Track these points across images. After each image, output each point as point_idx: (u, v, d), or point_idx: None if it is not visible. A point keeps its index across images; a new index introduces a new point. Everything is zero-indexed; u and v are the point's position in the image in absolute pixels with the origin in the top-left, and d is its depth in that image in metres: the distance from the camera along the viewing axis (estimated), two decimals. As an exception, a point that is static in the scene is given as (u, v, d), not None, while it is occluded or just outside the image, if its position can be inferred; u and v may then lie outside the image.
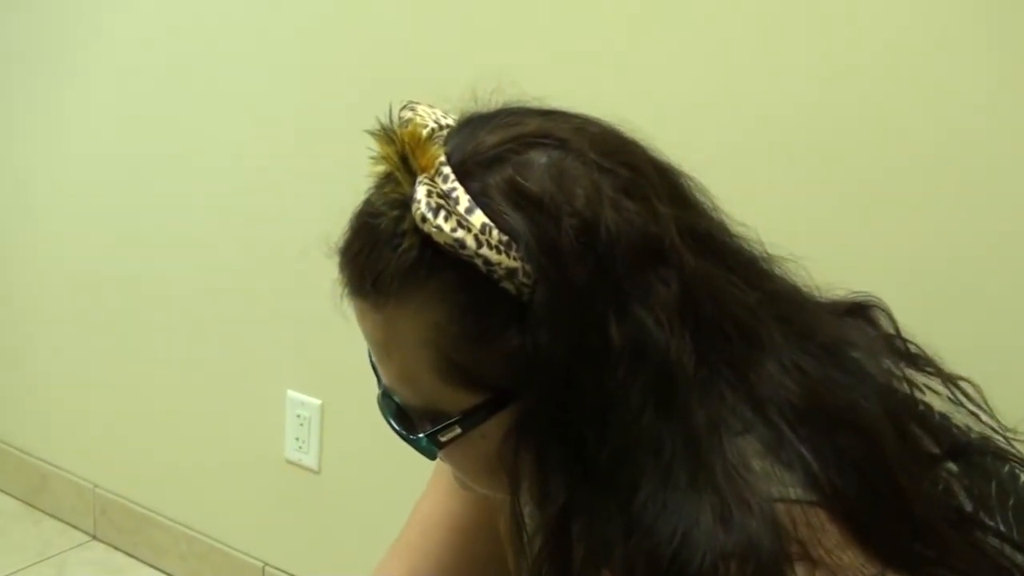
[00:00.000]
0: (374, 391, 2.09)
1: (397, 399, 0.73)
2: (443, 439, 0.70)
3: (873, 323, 0.84)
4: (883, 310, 0.85)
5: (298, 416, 2.02)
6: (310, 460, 2.02)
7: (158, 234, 2.18)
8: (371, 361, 0.76)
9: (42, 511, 2.50)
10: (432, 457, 0.74)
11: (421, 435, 0.71)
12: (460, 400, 0.69)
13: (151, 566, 2.32)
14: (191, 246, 2.14)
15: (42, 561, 2.33)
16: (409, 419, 0.73)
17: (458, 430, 0.70)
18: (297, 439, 2.03)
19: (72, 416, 2.44)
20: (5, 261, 2.46)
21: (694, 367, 0.66)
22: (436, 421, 0.70)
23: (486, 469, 0.73)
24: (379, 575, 1.02)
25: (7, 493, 2.56)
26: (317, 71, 1.89)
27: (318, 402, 2.00)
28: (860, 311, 0.84)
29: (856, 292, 0.86)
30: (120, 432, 2.35)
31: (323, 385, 1.99)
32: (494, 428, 0.69)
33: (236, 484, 2.17)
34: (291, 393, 2.03)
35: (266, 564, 2.14)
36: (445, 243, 0.66)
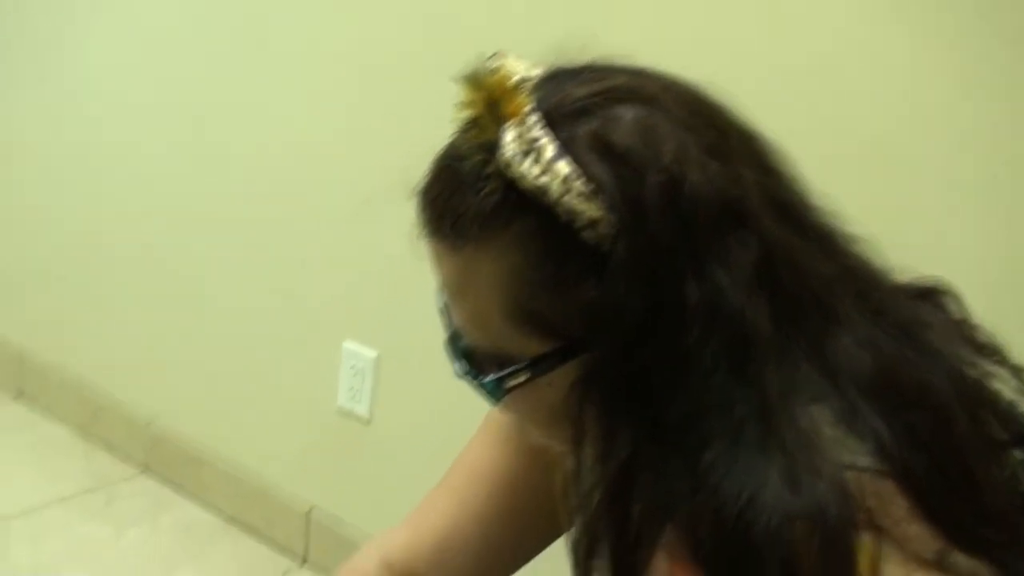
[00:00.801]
0: (429, 343, 2.09)
1: (466, 342, 0.74)
2: (510, 384, 0.71)
3: (944, 308, 0.83)
4: (953, 296, 0.84)
5: (352, 366, 2.03)
6: (362, 409, 2.04)
7: (223, 181, 2.21)
8: (440, 305, 0.77)
9: (94, 442, 2.55)
10: (496, 401, 0.74)
11: (488, 379, 0.72)
12: (530, 346, 0.69)
13: (198, 503, 2.36)
14: (254, 194, 2.16)
15: (91, 491, 2.38)
16: (477, 362, 0.74)
17: (526, 376, 0.70)
18: (350, 388, 2.05)
19: (131, 351, 2.48)
20: (84, 197, 2.50)
21: (770, 332, 0.66)
22: (504, 366, 0.71)
23: (549, 419, 0.73)
24: (417, 518, 1.03)
25: (61, 421, 2.61)
26: (379, 13, 1.89)
27: (373, 353, 2.01)
28: (931, 295, 0.84)
29: (927, 276, 0.85)
30: (177, 371, 2.39)
31: (378, 336, 2.01)
32: (562, 377, 0.69)
33: (287, 429, 2.20)
34: (347, 344, 2.04)
35: (312, 507, 2.17)
36: (529, 189, 0.66)
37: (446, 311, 0.76)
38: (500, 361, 0.71)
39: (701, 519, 0.64)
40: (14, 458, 2.47)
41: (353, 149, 1.96)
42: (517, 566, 1.04)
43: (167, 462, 2.42)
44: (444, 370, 1.96)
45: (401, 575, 1.00)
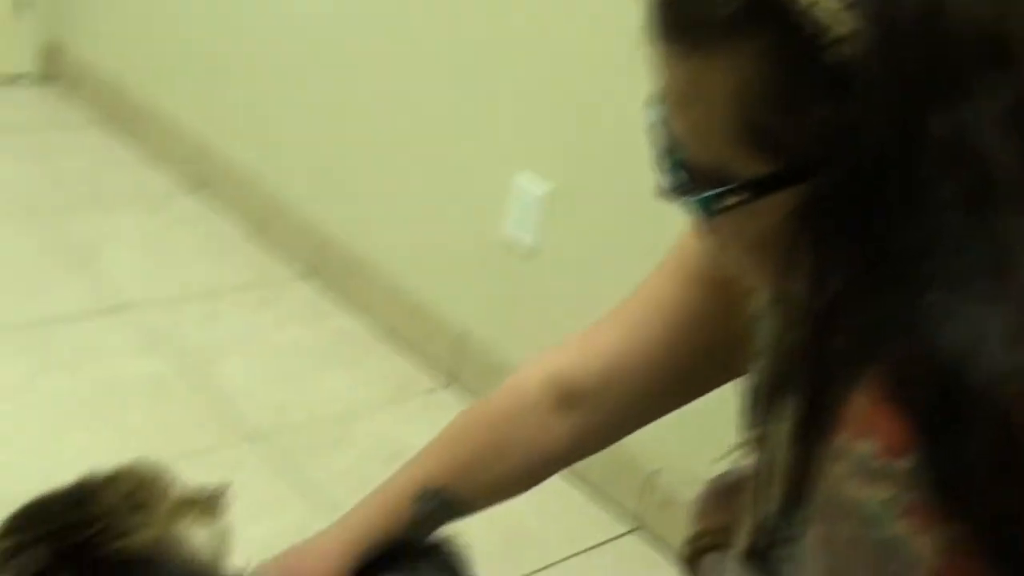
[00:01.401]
0: (603, 178, 2.08)
1: (682, 155, 0.71)
2: (724, 204, 0.68)
3: None
4: None
5: (522, 196, 2.03)
6: (528, 240, 2.04)
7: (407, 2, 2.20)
8: (654, 118, 0.73)
9: (265, 241, 2.63)
10: (707, 220, 0.71)
11: (702, 196, 0.69)
12: (752, 166, 0.66)
13: (356, 312, 2.42)
14: (438, 14, 2.14)
15: (258, 287, 2.47)
16: (691, 178, 0.71)
17: (744, 197, 0.67)
18: (519, 218, 2.05)
19: (308, 157, 2.53)
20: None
21: (1016, 178, 0.62)
22: (721, 183, 0.68)
23: (756, 246, 0.71)
24: (585, 341, 1.03)
25: (236, 218, 2.70)
26: None
27: (544, 184, 2.00)
28: None
29: None
30: (351, 180, 2.43)
31: (551, 168, 1.99)
32: (780, 202, 0.66)
33: (451, 251, 2.23)
34: (519, 173, 2.04)
35: (466, 330, 2.21)
36: None
37: (661, 124, 0.73)
38: (718, 178, 0.68)
39: (912, 363, 0.61)
40: (191, 248, 2.57)
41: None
42: (675, 406, 1.03)
43: (331, 269, 2.48)
44: (617, 207, 1.95)
45: (563, 395, 1.01)
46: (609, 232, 1.92)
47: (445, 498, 1.03)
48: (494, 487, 1.04)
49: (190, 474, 1.85)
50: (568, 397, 1.00)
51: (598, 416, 1.01)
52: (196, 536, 1.19)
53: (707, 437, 1.64)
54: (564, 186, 1.99)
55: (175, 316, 2.28)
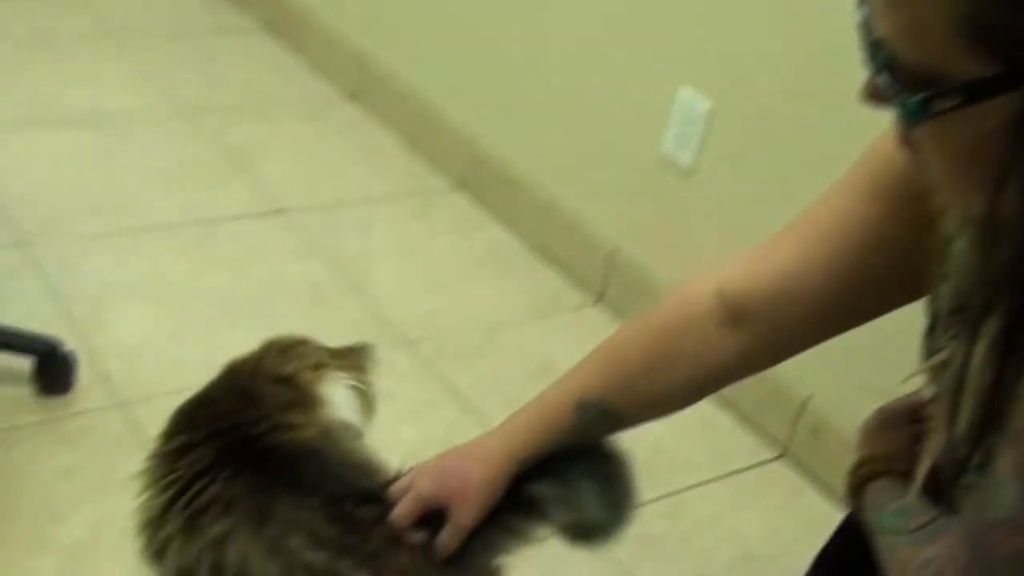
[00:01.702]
0: (766, 95, 2.02)
1: (892, 56, 0.67)
2: (934, 109, 0.64)
3: None
4: None
5: (684, 113, 1.99)
6: (686, 159, 2.00)
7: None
8: (862, 18, 0.69)
9: (420, 152, 2.65)
10: (912, 128, 0.67)
11: (914, 99, 0.65)
12: (971, 67, 0.62)
13: (508, 226, 2.43)
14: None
15: (412, 196, 2.50)
16: (900, 80, 0.67)
17: (956, 101, 0.63)
18: (677, 136, 2.01)
19: (465, 69, 2.53)
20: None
21: None
22: (934, 86, 0.64)
23: (963, 159, 0.66)
24: (757, 257, 0.99)
25: (391, 128, 2.72)
26: None
27: (707, 101, 1.95)
28: None
29: None
30: (507, 94, 2.42)
31: (715, 85, 1.94)
32: (996, 109, 0.62)
33: (606, 169, 2.21)
34: (682, 89, 1.99)
35: (617, 248, 2.20)
36: None
37: (869, 22, 0.68)
38: (930, 79, 0.64)
39: None
40: (347, 156, 2.61)
41: None
42: (846, 328, 0.99)
43: (485, 182, 2.49)
44: (780, 128, 1.89)
45: (732, 311, 0.98)
46: (769, 154, 1.87)
47: (604, 410, 1.03)
48: (655, 401, 1.03)
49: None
50: (737, 313, 0.98)
51: (767, 335, 0.98)
52: (343, 392, 1.22)
53: (860, 364, 1.60)
54: (726, 104, 1.93)
55: (331, 222, 2.33)
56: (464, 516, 1.04)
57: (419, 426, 1.81)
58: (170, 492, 1.10)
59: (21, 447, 1.60)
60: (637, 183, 2.13)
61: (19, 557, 1.42)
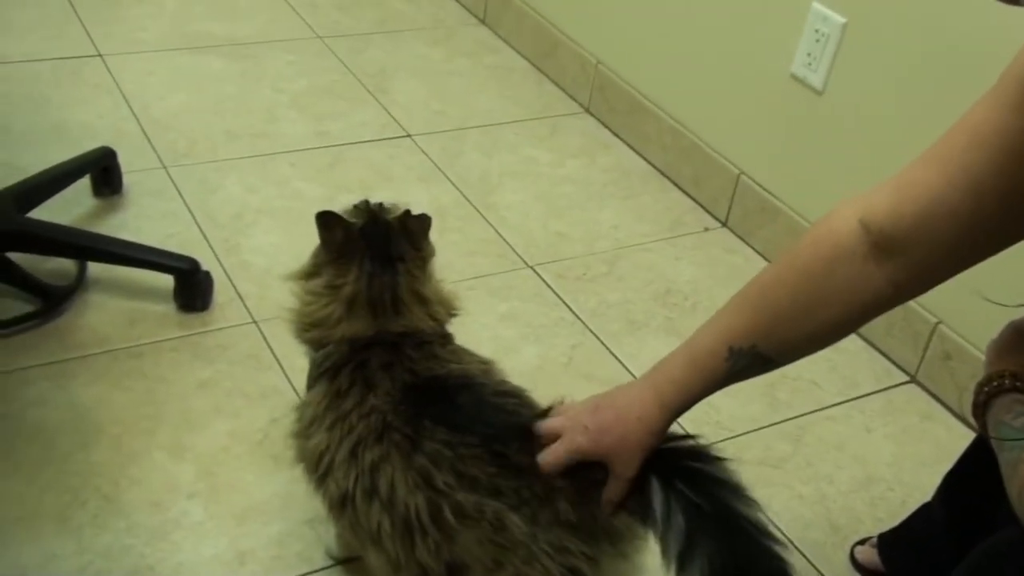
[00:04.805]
0: (903, 16, 1.94)
1: None
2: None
3: None
4: None
5: (816, 31, 1.93)
6: (816, 79, 1.95)
7: None
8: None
9: (547, 74, 2.65)
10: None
11: None
12: None
13: (633, 149, 2.42)
14: None
15: (539, 119, 2.50)
16: None
17: None
18: (809, 55, 1.96)
19: (592, -11, 2.51)
20: None
21: None
22: None
23: None
24: (901, 183, 0.96)
25: (520, 52, 2.73)
26: None
27: (841, 19, 1.90)
28: None
29: None
30: (633, 18, 2.39)
31: (850, 1, 1.88)
32: None
33: (733, 91, 2.17)
34: (815, 6, 1.94)
35: (742, 172, 2.16)
36: None
37: None
38: None
39: None
40: (475, 77, 2.63)
41: None
42: (997, 250, 0.94)
43: (611, 105, 2.47)
44: (917, 46, 1.83)
45: (878, 239, 0.95)
46: (902, 76, 1.80)
47: (756, 354, 1.02)
48: (807, 339, 1.01)
49: (471, 295, 1.94)
50: (885, 243, 0.95)
51: (916, 261, 0.95)
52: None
53: (991, 288, 1.55)
54: (859, 22, 1.87)
55: (458, 145, 2.35)
56: (628, 469, 1.07)
57: (542, 345, 1.83)
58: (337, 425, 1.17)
59: (164, 360, 1.68)
60: (766, 105, 2.09)
61: (163, 464, 1.51)
